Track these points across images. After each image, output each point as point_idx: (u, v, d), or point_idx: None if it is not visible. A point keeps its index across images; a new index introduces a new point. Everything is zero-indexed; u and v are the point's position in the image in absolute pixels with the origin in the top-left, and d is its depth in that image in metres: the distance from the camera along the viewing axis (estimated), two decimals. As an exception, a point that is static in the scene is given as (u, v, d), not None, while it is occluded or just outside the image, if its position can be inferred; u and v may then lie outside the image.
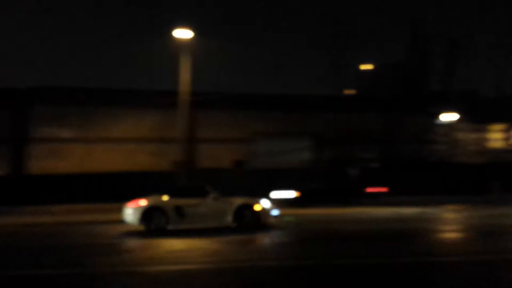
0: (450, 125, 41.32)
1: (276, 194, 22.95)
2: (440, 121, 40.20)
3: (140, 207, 14.30)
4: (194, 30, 24.77)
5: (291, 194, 22.73)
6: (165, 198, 14.58)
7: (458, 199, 24.39)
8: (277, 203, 21.66)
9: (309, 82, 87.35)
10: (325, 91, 44.05)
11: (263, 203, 14.91)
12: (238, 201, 14.74)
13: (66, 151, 30.89)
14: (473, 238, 13.08)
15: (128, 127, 32.13)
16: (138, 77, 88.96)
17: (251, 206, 14.61)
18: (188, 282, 7.89)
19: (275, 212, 15.52)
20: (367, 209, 20.89)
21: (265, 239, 13.24)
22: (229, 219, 14.49)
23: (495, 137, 46.36)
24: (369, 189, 24.41)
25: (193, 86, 26.61)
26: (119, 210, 15.50)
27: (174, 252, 10.94)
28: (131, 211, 14.45)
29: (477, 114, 42.15)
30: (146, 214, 14.20)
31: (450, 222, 16.89)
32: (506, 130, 46.05)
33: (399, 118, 35.96)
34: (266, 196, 16.93)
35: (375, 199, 24.07)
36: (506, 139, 46.36)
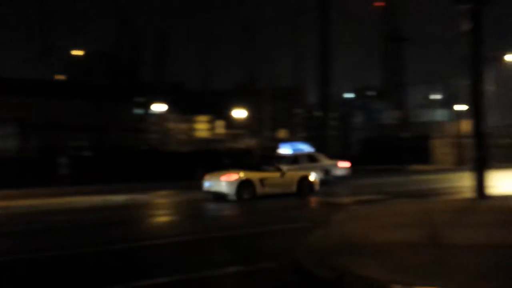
0: (160, 115, 43.14)
1: None
2: (152, 111, 41.61)
3: (235, 180, 16.82)
4: None
5: None
6: (249, 172, 17.35)
7: (168, 185, 25.43)
8: None
9: (17, 65, 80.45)
10: (33, 75, 40.67)
11: (314, 175, 18.97)
12: (299, 173, 18.88)
13: None
14: (180, 221, 14.03)
15: None
16: None
17: (307, 177, 18.57)
18: None
19: None
20: (76, 198, 19.94)
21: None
22: (294, 188, 18.17)
23: (202, 127, 50.49)
24: None
25: None
26: None
27: None
28: (226, 183, 16.86)
29: (184, 106, 45.01)
30: (241, 186, 16.77)
31: (158, 207, 17.52)
32: (210, 121, 50.59)
33: (111, 106, 35.79)
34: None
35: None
36: (211, 129, 50.93)
